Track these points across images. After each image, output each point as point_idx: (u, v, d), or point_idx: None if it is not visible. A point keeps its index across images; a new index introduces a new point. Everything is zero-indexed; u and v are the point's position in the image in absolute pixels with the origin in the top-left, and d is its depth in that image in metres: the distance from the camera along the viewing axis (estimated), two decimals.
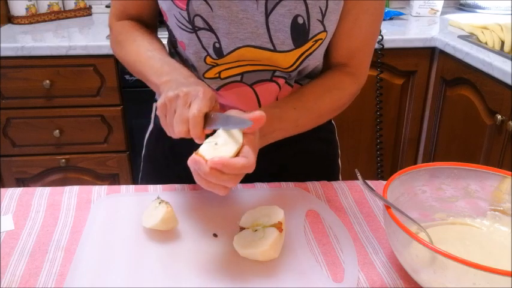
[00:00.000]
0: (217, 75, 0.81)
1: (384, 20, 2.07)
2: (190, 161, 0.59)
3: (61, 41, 1.75)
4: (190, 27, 0.77)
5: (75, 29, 1.96)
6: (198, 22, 0.76)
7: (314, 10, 0.74)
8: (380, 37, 1.77)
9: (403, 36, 1.87)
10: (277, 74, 0.81)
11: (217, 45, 0.77)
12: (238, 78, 0.81)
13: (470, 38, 1.77)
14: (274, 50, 0.77)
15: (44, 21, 2.05)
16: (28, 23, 2.00)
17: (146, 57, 0.79)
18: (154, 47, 0.81)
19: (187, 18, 0.76)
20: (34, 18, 2.01)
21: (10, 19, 2.02)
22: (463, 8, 2.36)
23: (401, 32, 1.95)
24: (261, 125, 0.62)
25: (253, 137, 0.62)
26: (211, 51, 0.78)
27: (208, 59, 0.79)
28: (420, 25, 2.05)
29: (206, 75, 0.82)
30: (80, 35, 1.87)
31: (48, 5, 2.05)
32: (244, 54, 0.78)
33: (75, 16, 2.14)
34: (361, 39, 0.82)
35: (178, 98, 0.64)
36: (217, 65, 0.80)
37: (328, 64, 0.86)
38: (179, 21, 0.78)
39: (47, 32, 1.90)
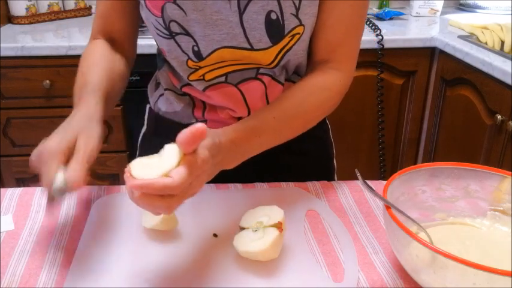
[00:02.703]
0: (201, 77, 0.81)
1: (383, 20, 2.08)
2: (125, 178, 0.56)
3: (61, 41, 1.75)
4: (167, 33, 0.78)
5: (75, 29, 1.96)
6: (174, 27, 0.76)
7: (287, 4, 0.73)
8: (380, 37, 1.78)
9: (403, 36, 1.87)
10: (261, 71, 0.81)
11: (195, 48, 0.78)
12: (223, 78, 0.81)
13: (470, 38, 1.77)
14: (252, 49, 0.77)
15: (44, 21, 2.05)
16: (28, 23, 2.00)
17: (77, 84, 0.76)
18: (88, 71, 0.77)
19: (163, 25, 0.77)
20: (34, 18, 2.01)
21: (10, 19, 2.02)
22: (463, 8, 2.36)
23: (401, 32, 1.95)
24: (198, 139, 0.56)
25: (193, 158, 0.56)
26: (191, 54, 0.79)
27: (190, 63, 0.80)
28: (420, 25, 2.05)
29: (190, 78, 0.82)
30: (80, 35, 1.87)
31: (48, 5, 2.05)
32: (224, 55, 0.78)
33: (75, 16, 2.14)
34: (342, 32, 0.79)
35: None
36: (200, 67, 0.80)
37: (311, 63, 0.84)
38: (157, 29, 0.79)
39: (47, 32, 1.90)
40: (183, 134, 0.55)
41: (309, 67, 0.85)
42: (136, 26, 0.90)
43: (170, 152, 0.57)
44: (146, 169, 0.56)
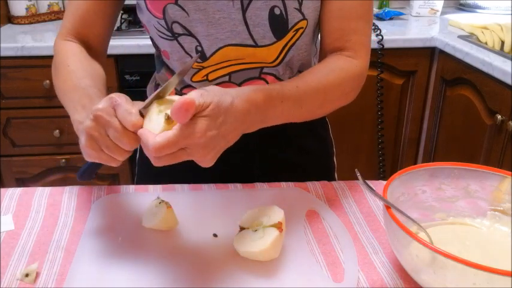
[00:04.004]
0: (205, 77, 0.81)
1: (383, 20, 2.07)
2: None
3: None
4: (170, 34, 0.77)
5: None
6: (177, 28, 0.76)
7: None
8: (380, 37, 1.78)
9: (403, 36, 1.87)
10: (265, 70, 0.81)
11: (199, 48, 0.77)
12: (226, 78, 0.81)
13: (470, 38, 1.77)
14: (256, 46, 0.77)
15: (44, 21, 2.05)
16: (28, 23, 2.00)
17: (70, 88, 0.72)
18: (84, 75, 0.74)
19: (165, 26, 0.77)
20: (34, 18, 2.01)
21: (10, 19, 2.02)
22: (463, 8, 2.36)
23: (401, 32, 1.95)
24: (188, 112, 0.54)
25: (185, 127, 0.55)
26: (194, 55, 0.78)
27: (194, 63, 0.79)
28: (420, 25, 2.05)
29: (194, 79, 0.82)
30: None
31: (48, 5, 2.05)
32: (228, 54, 0.78)
33: None
34: (354, 20, 0.78)
35: (98, 120, 0.58)
36: (203, 67, 0.80)
37: (325, 52, 0.83)
38: (159, 31, 0.78)
39: (47, 32, 1.90)
40: (175, 108, 0.54)
41: (323, 56, 0.83)
42: (112, 31, 0.87)
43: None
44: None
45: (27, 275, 0.62)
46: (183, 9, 0.74)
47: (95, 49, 0.85)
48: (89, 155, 0.60)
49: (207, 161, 0.59)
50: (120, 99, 0.58)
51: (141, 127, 0.57)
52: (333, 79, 0.75)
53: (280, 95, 0.68)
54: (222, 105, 0.58)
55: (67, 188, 0.82)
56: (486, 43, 1.70)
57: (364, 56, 0.81)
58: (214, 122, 0.57)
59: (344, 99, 0.79)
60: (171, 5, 0.74)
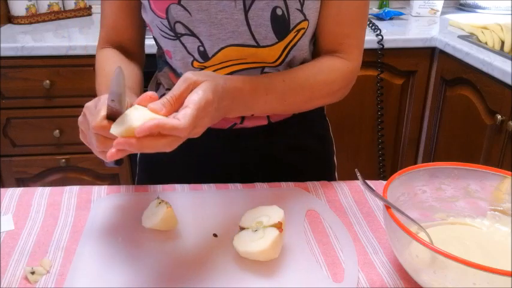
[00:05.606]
0: None
1: (383, 20, 2.08)
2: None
3: (61, 41, 1.75)
4: (172, 34, 0.78)
5: (75, 29, 1.96)
6: (179, 28, 0.77)
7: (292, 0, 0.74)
8: (380, 37, 1.78)
9: (403, 36, 1.87)
10: (266, 70, 0.81)
11: (201, 48, 0.78)
12: None
13: (470, 38, 1.77)
14: (258, 46, 0.77)
15: (44, 21, 2.05)
16: (28, 23, 2.00)
17: (105, 88, 0.76)
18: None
19: (168, 26, 0.77)
20: (34, 18, 2.01)
21: (10, 19, 2.02)
22: (463, 8, 2.36)
23: (401, 32, 1.95)
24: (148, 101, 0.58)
25: (198, 101, 0.58)
26: (196, 55, 0.79)
27: (196, 63, 0.80)
28: (420, 25, 2.05)
29: None
30: (80, 35, 1.87)
31: (48, 5, 2.05)
32: (230, 54, 0.78)
33: (75, 16, 2.14)
34: (348, 25, 0.80)
35: (84, 116, 0.62)
36: (205, 67, 0.80)
37: (318, 53, 0.85)
38: (162, 30, 0.79)
39: (47, 32, 1.90)
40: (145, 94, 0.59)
41: (316, 55, 0.85)
42: (144, 32, 0.90)
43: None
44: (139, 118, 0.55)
45: (33, 273, 0.62)
46: (186, 10, 0.74)
47: (131, 52, 0.87)
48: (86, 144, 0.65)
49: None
50: (104, 97, 0.60)
51: (104, 129, 0.56)
52: (321, 78, 0.79)
53: (266, 88, 0.73)
54: (218, 84, 0.64)
55: (67, 188, 0.82)
56: (486, 43, 1.70)
57: (357, 58, 0.82)
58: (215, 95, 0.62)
59: (331, 97, 0.82)
60: (174, 5, 0.74)
